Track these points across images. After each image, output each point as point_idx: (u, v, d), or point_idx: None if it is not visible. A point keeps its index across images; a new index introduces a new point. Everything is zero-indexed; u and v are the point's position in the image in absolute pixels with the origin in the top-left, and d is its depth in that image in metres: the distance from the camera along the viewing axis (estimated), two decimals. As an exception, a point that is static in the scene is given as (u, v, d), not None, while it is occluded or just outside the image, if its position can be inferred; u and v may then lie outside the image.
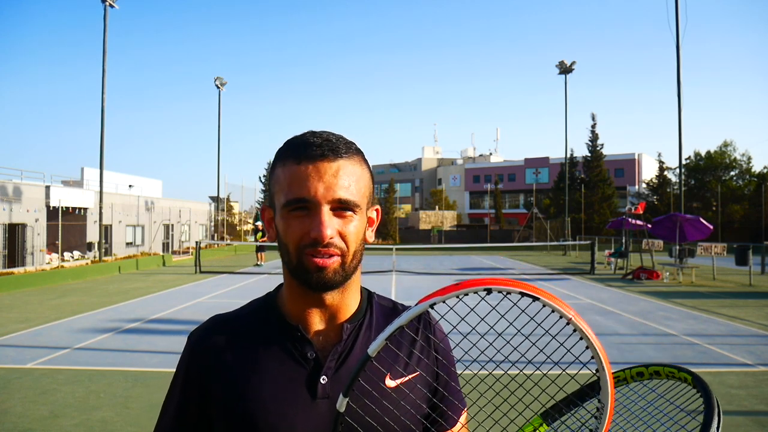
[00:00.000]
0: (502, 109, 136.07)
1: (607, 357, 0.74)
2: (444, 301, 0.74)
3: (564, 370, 0.86)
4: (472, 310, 0.82)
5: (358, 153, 0.97)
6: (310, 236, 0.89)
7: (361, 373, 0.76)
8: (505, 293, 0.72)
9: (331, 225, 0.90)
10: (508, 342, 0.83)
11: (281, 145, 0.98)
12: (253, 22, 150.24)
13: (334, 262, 0.91)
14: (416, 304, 0.75)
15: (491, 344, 0.85)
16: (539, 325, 0.76)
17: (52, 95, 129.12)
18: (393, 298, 1.12)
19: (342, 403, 0.77)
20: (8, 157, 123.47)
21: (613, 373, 0.97)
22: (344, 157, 0.93)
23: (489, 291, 0.72)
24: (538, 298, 0.71)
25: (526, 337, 0.82)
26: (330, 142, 0.93)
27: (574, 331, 0.73)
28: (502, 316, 0.80)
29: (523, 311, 0.75)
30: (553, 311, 0.72)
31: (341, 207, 0.92)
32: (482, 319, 0.83)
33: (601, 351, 0.73)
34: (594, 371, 0.77)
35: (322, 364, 0.95)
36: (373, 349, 0.75)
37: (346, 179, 0.92)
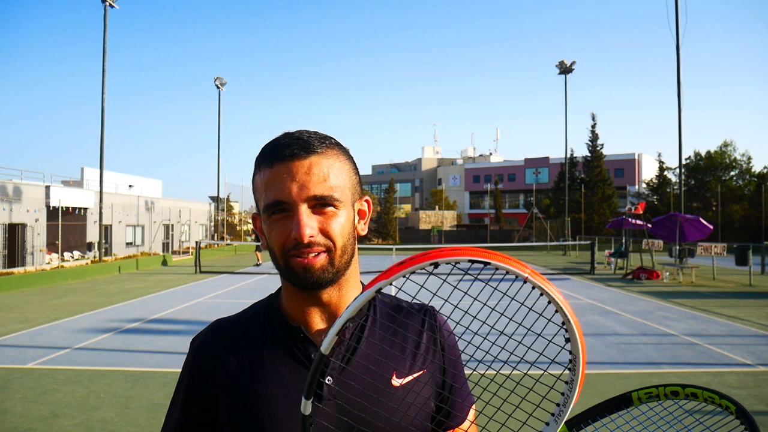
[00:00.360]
0: (502, 109, 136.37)
1: (572, 309, 0.72)
2: (391, 284, 0.70)
3: (529, 329, 0.83)
4: (422, 287, 0.78)
5: (335, 146, 0.95)
6: (291, 238, 0.89)
7: (318, 372, 0.73)
8: (453, 264, 0.67)
9: (309, 224, 0.88)
10: (466, 312, 0.79)
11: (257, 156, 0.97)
12: (253, 22, 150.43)
13: (320, 260, 0.90)
14: (362, 292, 0.70)
15: (449, 317, 0.82)
16: (495, 289, 0.73)
17: (52, 95, 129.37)
18: (400, 298, 1.10)
19: (306, 406, 0.75)
20: (8, 157, 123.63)
21: (645, 387, 0.95)
22: (317, 153, 0.91)
23: (436, 265, 0.67)
24: (488, 263, 0.66)
25: (484, 304, 0.77)
26: (301, 140, 0.91)
27: (533, 288, 0.69)
28: (455, 287, 0.76)
29: (476, 278, 0.71)
30: (507, 273, 0.67)
31: (319, 203, 0.90)
32: (434, 294, 0.80)
33: (565, 304, 0.70)
34: (560, 324, 0.74)
35: (326, 365, 0.94)
36: (325, 347, 0.72)
37: (321, 175, 0.90)
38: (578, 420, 0.97)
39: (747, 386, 6.16)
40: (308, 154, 0.91)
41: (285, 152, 0.90)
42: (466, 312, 0.80)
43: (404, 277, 0.69)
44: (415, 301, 1.12)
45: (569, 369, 0.78)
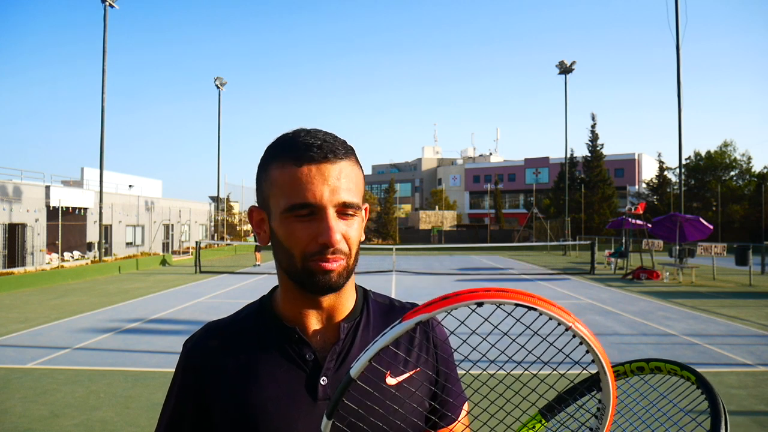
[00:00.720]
0: (502, 109, 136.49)
1: (609, 360, 0.73)
2: (432, 318, 0.71)
3: (562, 375, 0.85)
4: (462, 323, 0.79)
5: (353, 152, 0.96)
6: (318, 242, 0.88)
7: (344, 394, 0.73)
8: (497, 305, 0.68)
9: (338, 229, 0.88)
10: (502, 352, 0.81)
11: (272, 144, 0.94)
12: (254, 22, 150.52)
13: (339, 266, 0.90)
14: (401, 322, 0.71)
15: (484, 355, 0.83)
16: (536, 333, 0.74)
17: (52, 95, 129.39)
18: (390, 295, 1.11)
19: (326, 426, 0.75)
20: (8, 157, 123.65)
21: (612, 366, 0.96)
22: (344, 159, 0.91)
23: (480, 304, 0.68)
24: (534, 308, 0.67)
25: (522, 346, 0.79)
26: (329, 143, 0.90)
27: (574, 336, 0.70)
28: (495, 327, 0.78)
29: (518, 320, 0.72)
30: (550, 319, 0.68)
31: (344, 210, 0.90)
32: (473, 332, 0.81)
33: (602, 354, 0.71)
34: (596, 374, 0.75)
35: (321, 365, 0.94)
36: (355, 371, 0.72)
37: (348, 181, 0.90)
38: (550, 406, 0.98)
39: (747, 386, 6.16)
40: (337, 159, 0.90)
41: (316, 153, 0.89)
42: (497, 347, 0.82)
43: (446, 312, 0.70)
44: (407, 300, 1.13)
45: (596, 417, 0.78)
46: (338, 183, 0.89)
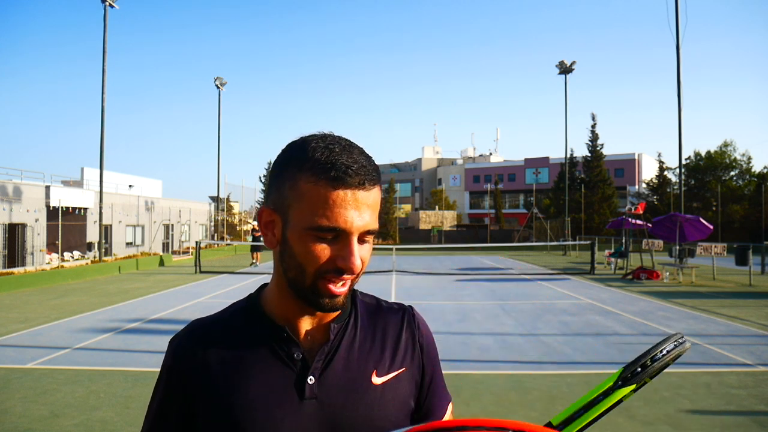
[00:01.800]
0: (502, 109, 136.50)
1: None
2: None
3: None
4: None
5: (380, 176, 0.94)
6: (336, 264, 0.87)
7: None
8: None
9: (359, 255, 0.88)
10: None
11: (301, 149, 0.90)
12: (254, 21, 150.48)
13: (346, 288, 0.91)
14: None
15: None
16: None
17: (52, 95, 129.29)
18: (379, 297, 1.11)
19: None
20: (8, 157, 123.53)
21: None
22: (375, 185, 0.90)
23: None
24: None
25: None
26: (365, 168, 0.88)
27: None
28: None
29: None
30: None
31: (364, 236, 0.90)
32: None
33: None
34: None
35: (309, 365, 0.95)
36: None
37: (374, 209, 0.90)
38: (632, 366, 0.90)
39: (747, 386, 6.16)
40: (372, 186, 0.89)
41: (353, 179, 0.86)
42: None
43: None
44: (393, 301, 1.13)
45: None
46: (368, 211, 0.88)
